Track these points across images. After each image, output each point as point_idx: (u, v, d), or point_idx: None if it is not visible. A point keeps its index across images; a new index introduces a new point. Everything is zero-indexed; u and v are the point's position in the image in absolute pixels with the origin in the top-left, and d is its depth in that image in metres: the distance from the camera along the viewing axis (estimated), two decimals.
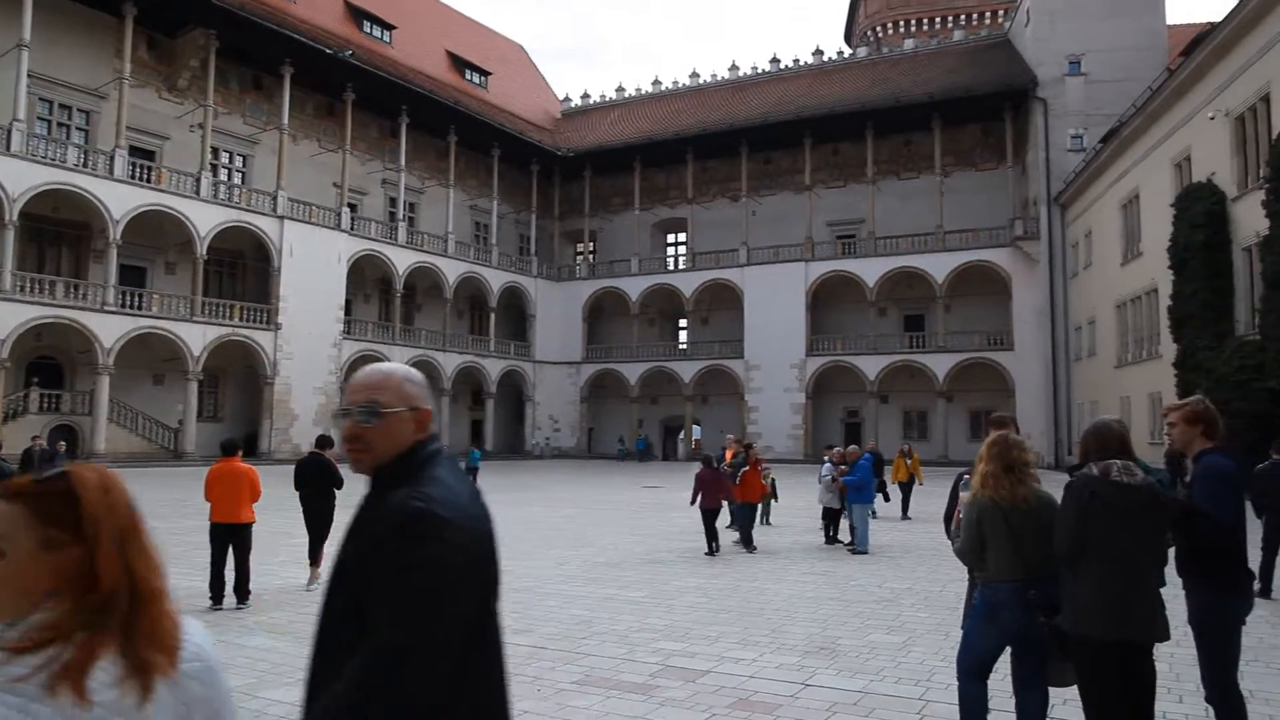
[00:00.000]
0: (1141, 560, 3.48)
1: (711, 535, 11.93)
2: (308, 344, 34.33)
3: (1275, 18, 20.39)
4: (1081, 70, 36.65)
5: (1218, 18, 22.87)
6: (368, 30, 41.81)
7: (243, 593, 8.05)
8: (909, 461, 17.46)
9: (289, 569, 10.04)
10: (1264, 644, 6.68)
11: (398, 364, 1.87)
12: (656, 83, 52.95)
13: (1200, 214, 23.23)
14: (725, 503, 12.47)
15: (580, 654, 6.38)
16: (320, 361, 35.03)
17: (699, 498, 12.13)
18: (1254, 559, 6.30)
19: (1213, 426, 3.93)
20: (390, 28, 42.93)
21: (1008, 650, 4.00)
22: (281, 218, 33.80)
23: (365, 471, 1.74)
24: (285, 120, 34.72)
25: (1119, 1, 36.14)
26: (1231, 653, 3.86)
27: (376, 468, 1.72)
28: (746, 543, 12.52)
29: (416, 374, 1.84)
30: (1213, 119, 23.27)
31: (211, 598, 7.95)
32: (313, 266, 34.69)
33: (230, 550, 8.06)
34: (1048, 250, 37.35)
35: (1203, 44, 23.80)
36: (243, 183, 35.19)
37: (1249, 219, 21.13)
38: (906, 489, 17.21)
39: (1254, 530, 6.32)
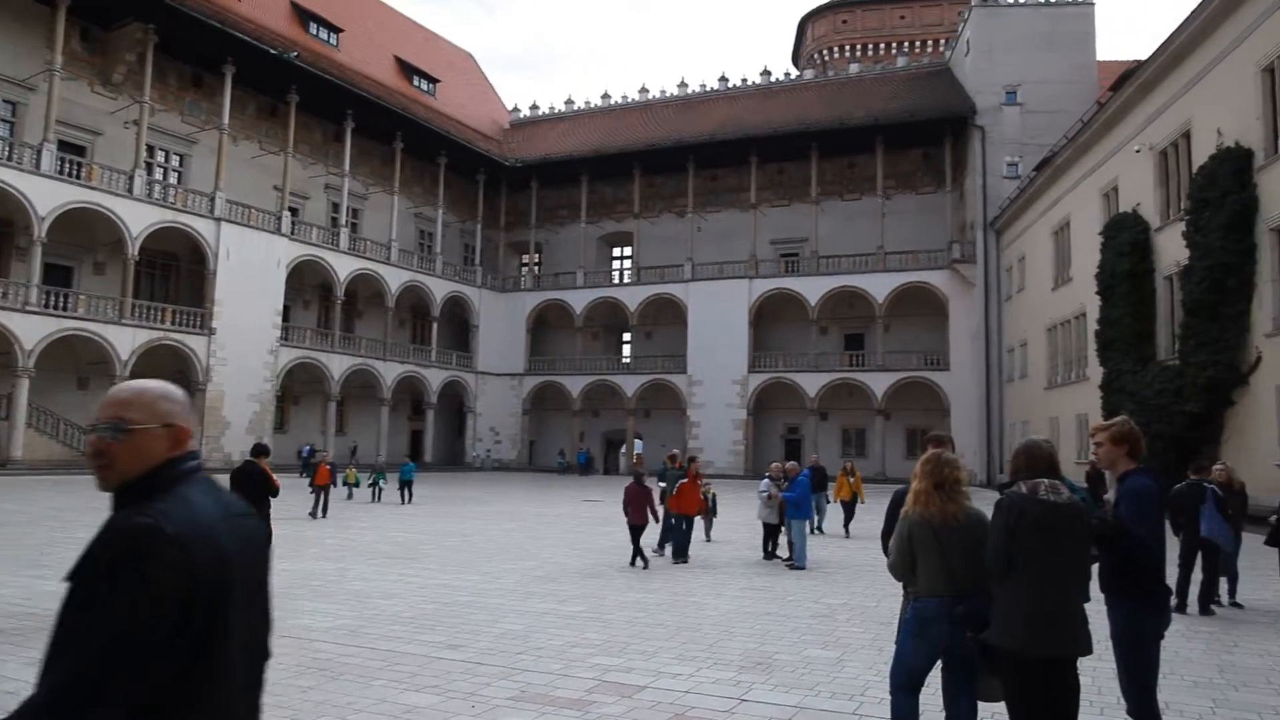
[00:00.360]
0: (1067, 577, 3.57)
1: (637, 549, 12.03)
2: (243, 350, 33.45)
3: (1195, 58, 21.39)
4: (1018, 100, 37.96)
5: (1145, 55, 23.89)
6: (314, 32, 41.15)
7: None
8: (852, 480, 17.35)
9: None
10: (1179, 657, 6.92)
11: (157, 381, 1.85)
12: (606, 96, 53.18)
13: (1126, 243, 24.16)
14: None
15: (515, 669, 6.30)
16: (256, 368, 34.17)
17: (628, 511, 12.28)
18: (1171, 576, 6.53)
19: (1136, 447, 4.08)
20: (337, 30, 42.34)
21: (941, 664, 4.07)
22: (219, 220, 32.94)
23: (109, 489, 1.72)
24: (225, 120, 33.92)
25: (1052, 37, 37.61)
26: (1151, 666, 4.00)
27: (121, 485, 1.71)
28: (678, 553, 12.60)
29: (176, 391, 1.83)
30: (1138, 152, 24.26)
31: None
32: (250, 270, 33.86)
33: None
34: (983, 273, 38.45)
35: (1129, 80, 24.86)
36: (179, 182, 34.24)
37: (1170, 249, 22.05)
38: (849, 507, 17.13)
39: (1171, 548, 6.55)
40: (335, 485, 21.52)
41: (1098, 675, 5.85)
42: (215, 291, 32.76)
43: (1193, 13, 20.96)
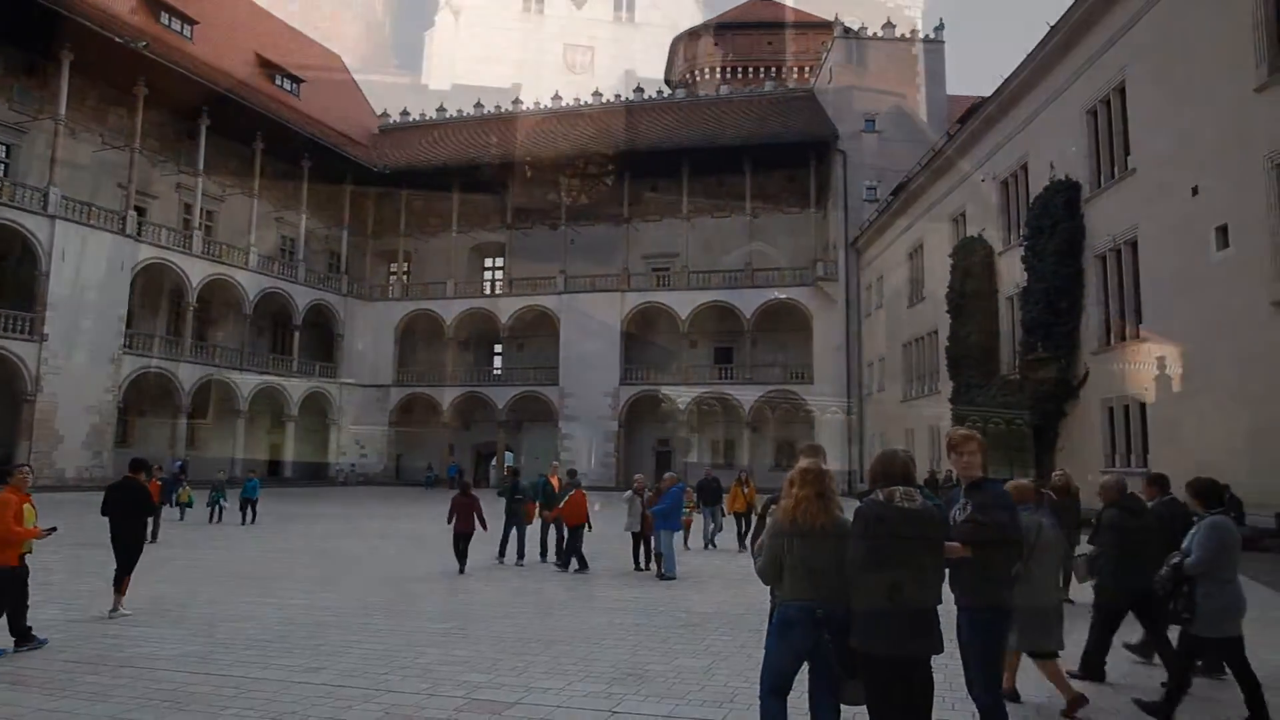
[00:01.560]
0: (921, 579, 3.77)
1: (462, 556, 12.39)
2: (80, 358, 30.92)
3: (1031, 98, 23.21)
4: (876, 128, 40.03)
5: (989, 93, 25.68)
6: (166, 22, 38.73)
7: None
8: (746, 490, 16.79)
9: (44, 609, 8.92)
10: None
11: None
12: (479, 105, 52.55)
13: (973, 265, 25.85)
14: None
15: (379, 690, 6.08)
16: (95, 378, 31.66)
17: (454, 520, 12.56)
18: None
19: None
20: (192, 22, 39.98)
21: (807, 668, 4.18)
22: (53, 217, 30.36)
23: None
24: (62, 110, 31.33)
25: (908, 71, 40.06)
26: (997, 661, 4.27)
27: None
28: (582, 564, 12.96)
29: None
30: (983, 181, 26.04)
31: None
32: (90, 273, 31.38)
33: None
34: (845, 291, 40.21)
35: (975, 115, 26.66)
36: (5, 175, 31.39)
37: (1011, 272, 23.74)
38: (744, 518, 16.56)
39: None
40: (170, 505, 20.11)
41: (949, 672, 6.17)
42: (48, 295, 30.14)
43: (1028, 57, 22.73)
